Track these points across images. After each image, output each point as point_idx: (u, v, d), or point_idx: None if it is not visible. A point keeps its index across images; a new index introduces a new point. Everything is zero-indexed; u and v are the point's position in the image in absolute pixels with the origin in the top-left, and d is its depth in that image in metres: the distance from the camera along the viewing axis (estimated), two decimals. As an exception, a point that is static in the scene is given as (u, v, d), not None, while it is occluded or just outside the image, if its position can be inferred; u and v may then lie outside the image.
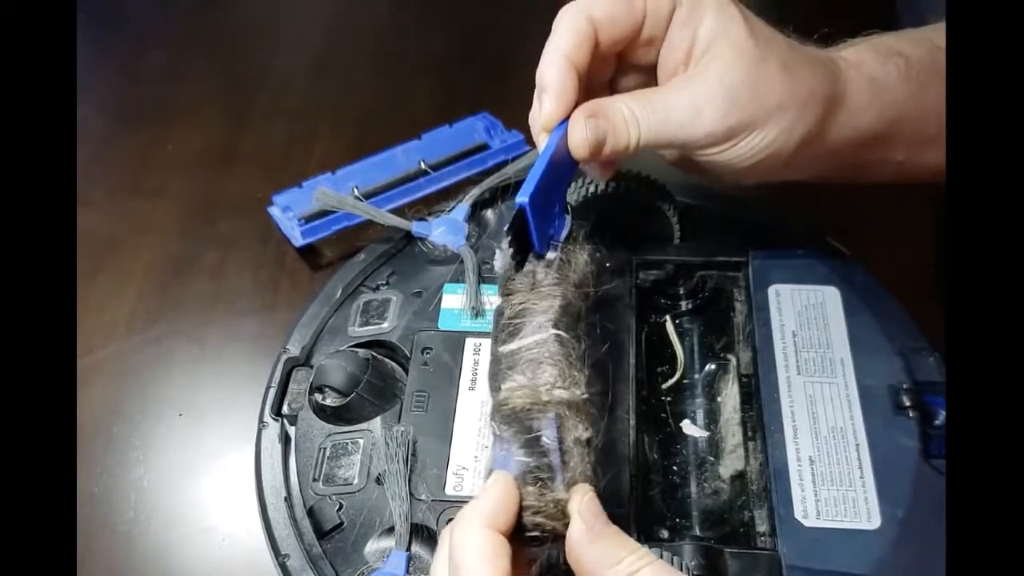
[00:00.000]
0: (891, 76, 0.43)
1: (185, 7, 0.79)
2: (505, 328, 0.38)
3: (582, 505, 0.33)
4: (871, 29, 0.45)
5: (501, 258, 0.40)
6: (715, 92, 0.39)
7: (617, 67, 0.42)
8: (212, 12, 0.78)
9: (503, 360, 0.36)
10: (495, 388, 0.36)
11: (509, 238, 0.37)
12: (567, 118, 0.39)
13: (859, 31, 0.45)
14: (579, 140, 0.39)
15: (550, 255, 0.39)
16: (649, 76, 0.42)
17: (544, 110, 0.39)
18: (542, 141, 0.39)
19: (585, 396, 0.35)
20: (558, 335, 0.36)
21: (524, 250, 0.38)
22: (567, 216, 0.40)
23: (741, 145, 0.40)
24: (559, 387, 0.35)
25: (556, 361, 0.36)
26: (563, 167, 0.39)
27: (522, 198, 0.36)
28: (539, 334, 0.36)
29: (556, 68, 0.38)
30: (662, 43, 0.41)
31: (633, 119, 0.39)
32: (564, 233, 0.40)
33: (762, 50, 0.40)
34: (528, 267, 0.39)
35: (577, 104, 0.39)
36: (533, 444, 0.33)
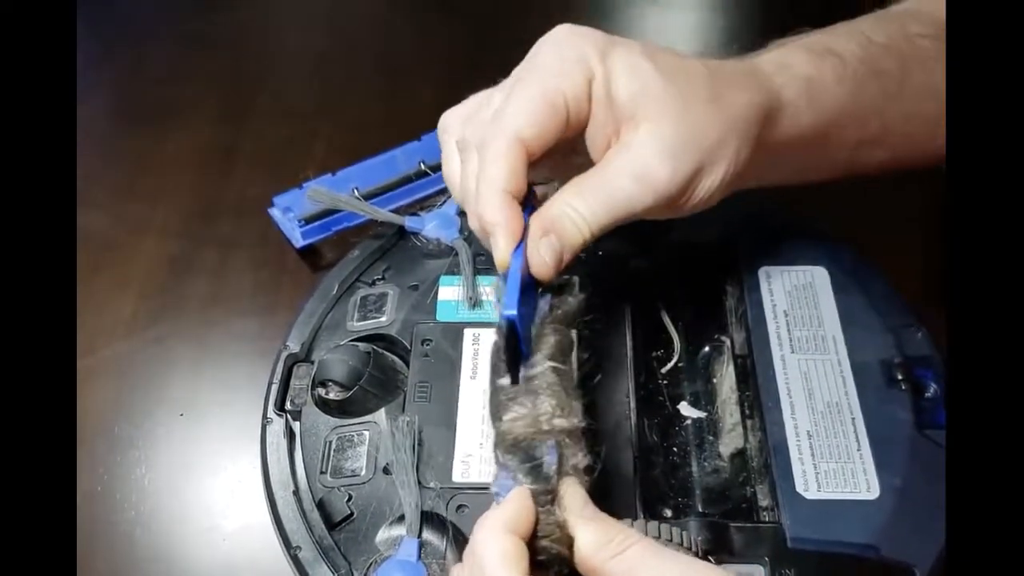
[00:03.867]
0: (827, 76, 0.43)
1: (185, 7, 0.79)
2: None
3: (567, 495, 0.35)
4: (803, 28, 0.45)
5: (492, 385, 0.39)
6: (652, 152, 0.38)
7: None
8: (212, 12, 0.78)
9: (502, 392, 0.37)
10: (497, 419, 0.37)
11: (501, 353, 0.37)
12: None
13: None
14: (542, 267, 0.37)
15: (542, 304, 0.39)
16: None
17: (501, 248, 0.37)
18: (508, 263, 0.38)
19: (583, 424, 0.37)
20: (555, 367, 0.37)
21: (517, 361, 0.37)
22: (543, 298, 0.39)
23: (696, 194, 0.40)
24: (558, 416, 0.36)
25: (554, 392, 0.37)
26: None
27: (509, 311, 0.36)
28: (536, 368, 0.37)
29: (496, 206, 0.37)
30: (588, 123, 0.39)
31: (579, 217, 0.38)
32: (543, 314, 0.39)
33: (684, 91, 0.38)
34: None
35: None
36: (536, 471, 0.35)
